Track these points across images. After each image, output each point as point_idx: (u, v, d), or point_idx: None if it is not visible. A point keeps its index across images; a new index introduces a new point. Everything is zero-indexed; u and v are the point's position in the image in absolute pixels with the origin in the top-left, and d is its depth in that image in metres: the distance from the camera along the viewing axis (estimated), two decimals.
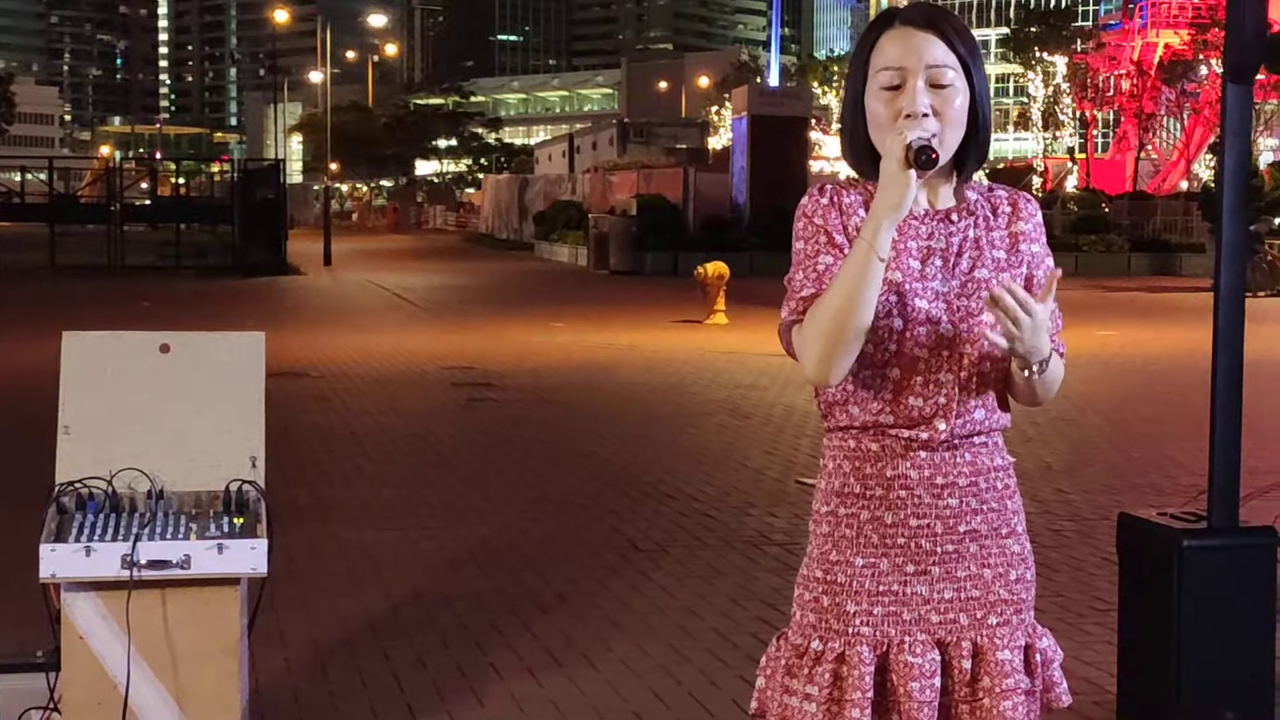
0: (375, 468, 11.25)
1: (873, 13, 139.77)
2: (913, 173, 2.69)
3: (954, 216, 2.89)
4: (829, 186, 2.93)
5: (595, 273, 41.07)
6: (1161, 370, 18.18)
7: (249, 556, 4.19)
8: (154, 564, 4.13)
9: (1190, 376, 16.18)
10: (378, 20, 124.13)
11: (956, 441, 2.87)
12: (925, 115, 2.79)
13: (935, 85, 2.81)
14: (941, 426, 2.84)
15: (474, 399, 15.04)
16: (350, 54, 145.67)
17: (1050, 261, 2.97)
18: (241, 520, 4.27)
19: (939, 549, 2.87)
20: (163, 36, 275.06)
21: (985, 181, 3.00)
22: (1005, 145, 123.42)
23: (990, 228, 2.91)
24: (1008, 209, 2.95)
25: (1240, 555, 5.08)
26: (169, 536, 4.18)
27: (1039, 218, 2.98)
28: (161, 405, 4.48)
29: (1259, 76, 5.54)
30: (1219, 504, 5.13)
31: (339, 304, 29.40)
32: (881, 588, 2.87)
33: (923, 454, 2.86)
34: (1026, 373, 2.81)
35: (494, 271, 41.92)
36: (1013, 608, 2.92)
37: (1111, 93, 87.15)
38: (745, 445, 12.20)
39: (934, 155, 2.72)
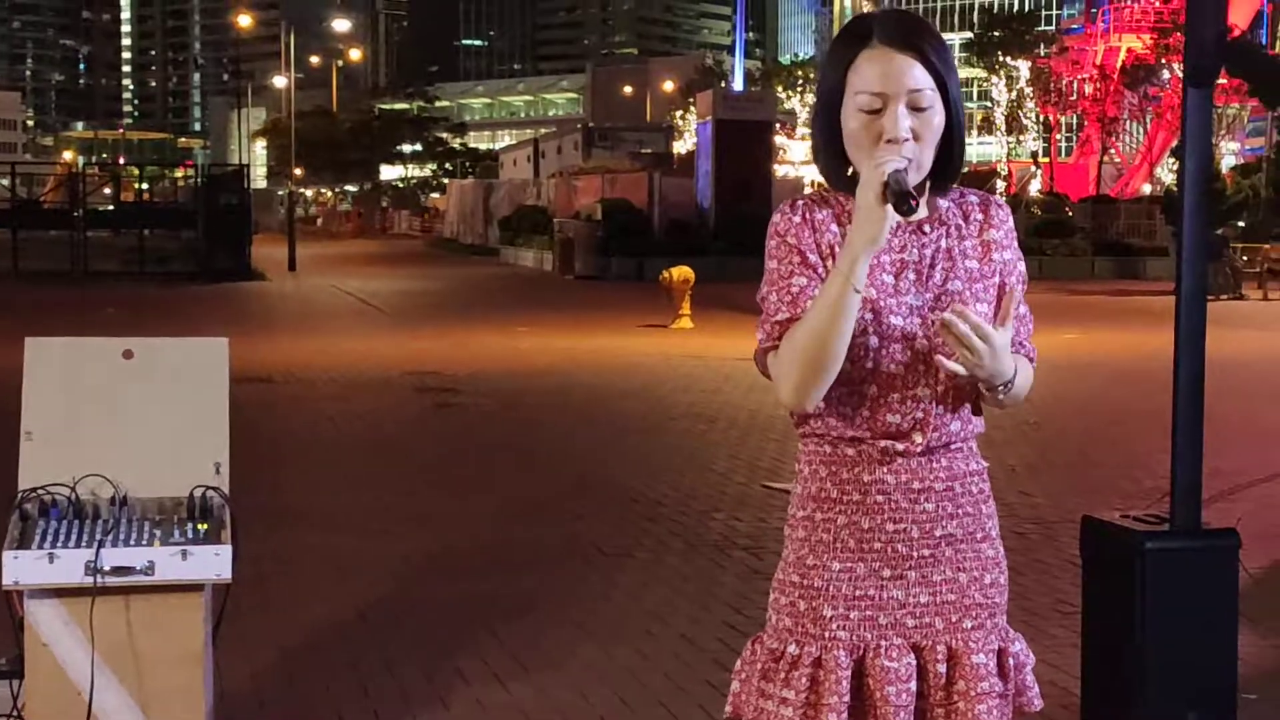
0: (340, 473, 11.23)
1: (836, 19, 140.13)
2: (889, 207, 2.68)
3: (926, 228, 2.89)
4: (800, 202, 2.92)
5: (560, 277, 41.04)
6: (1125, 373, 18.27)
7: (213, 563, 4.18)
8: (118, 570, 4.12)
9: (1153, 379, 16.24)
10: (342, 25, 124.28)
11: (933, 448, 2.88)
12: (906, 140, 2.78)
13: (915, 108, 2.80)
14: (918, 440, 2.86)
15: (439, 404, 15.02)
16: (314, 59, 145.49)
17: (1022, 267, 2.98)
18: (206, 526, 4.26)
19: (915, 553, 2.89)
20: (126, 41, 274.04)
21: (956, 186, 3.00)
22: (969, 149, 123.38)
23: (962, 236, 2.91)
24: (979, 216, 2.95)
25: (1203, 557, 5.11)
26: (133, 543, 4.16)
27: (1010, 223, 2.99)
28: (125, 411, 4.46)
29: (1219, 80, 5.58)
30: (1182, 506, 5.15)
31: (304, 309, 29.33)
32: (858, 592, 2.88)
33: (900, 460, 2.87)
34: (990, 393, 2.83)
35: (459, 276, 41.85)
36: (987, 611, 2.94)
37: (1074, 97, 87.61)
38: (711, 449, 12.21)
39: (914, 204, 2.70)
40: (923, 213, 2.89)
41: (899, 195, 2.67)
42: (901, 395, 2.84)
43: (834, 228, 2.87)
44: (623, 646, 6.65)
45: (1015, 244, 2.99)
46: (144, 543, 4.17)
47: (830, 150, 2.90)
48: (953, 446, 2.90)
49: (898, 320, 2.82)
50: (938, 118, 2.82)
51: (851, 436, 2.87)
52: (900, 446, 2.85)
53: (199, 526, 4.25)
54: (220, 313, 27.33)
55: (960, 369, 2.73)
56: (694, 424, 13.68)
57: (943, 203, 2.93)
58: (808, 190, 2.74)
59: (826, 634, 2.87)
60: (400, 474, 11.26)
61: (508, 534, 9.06)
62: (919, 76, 2.79)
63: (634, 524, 9.28)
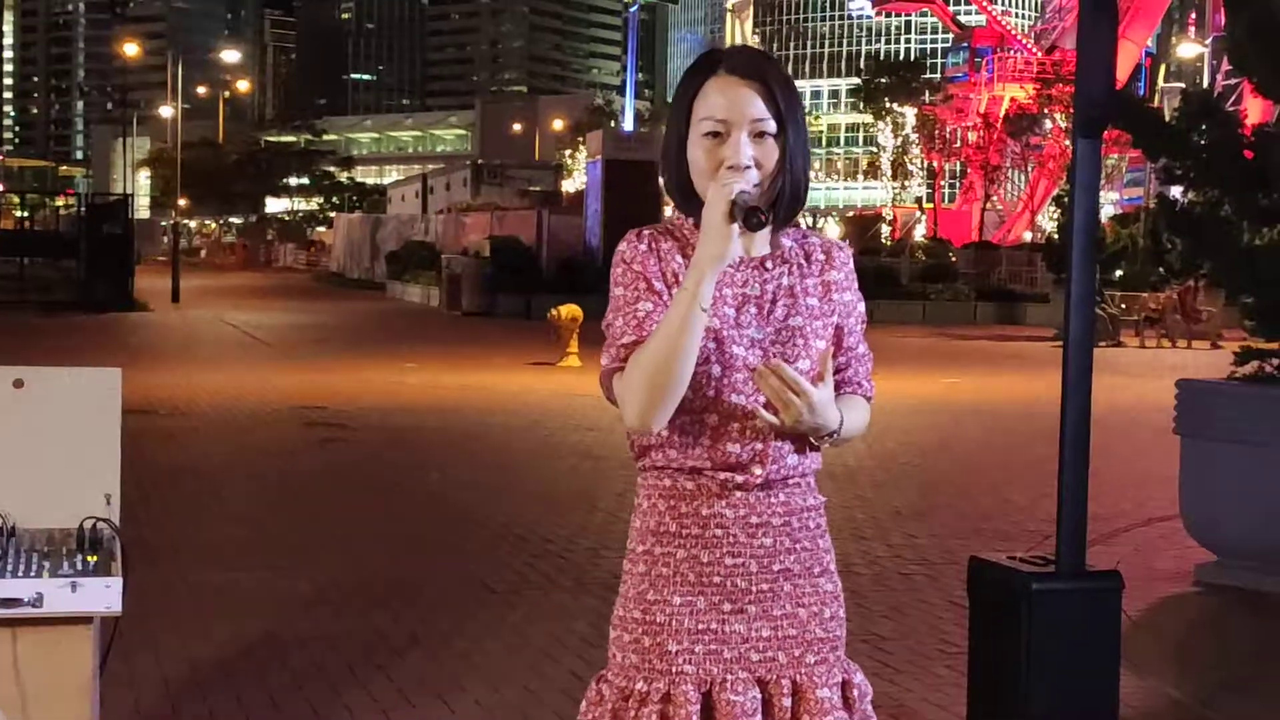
0: (226, 507, 11.12)
1: None
2: (735, 225, 2.73)
3: (769, 264, 2.94)
4: (646, 232, 2.97)
5: (448, 314, 40.93)
6: (1006, 417, 18.50)
7: (103, 595, 4.12)
8: (5, 602, 4.05)
9: (1033, 424, 16.50)
10: (230, 56, 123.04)
11: (771, 482, 2.92)
12: (748, 167, 2.83)
13: (757, 136, 2.86)
14: (758, 472, 2.89)
15: (326, 439, 14.92)
16: (201, 89, 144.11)
17: (862, 308, 3.05)
18: (95, 558, 4.21)
19: (754, 588, 2.92)
20: (7, 67, 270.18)
21: (802, 226, 3.06)
22: (855, 194, 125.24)
23: (804, 275, 2.97)
24: (821, 256, 3.00)
25: (1087, 598, 5.20)
26: (20, 574, 4.10)
27: (850, 266, 3.05)
28: (14, 441, 4.40)
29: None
30: (1067, 548, 5.24)
31: (188, 341, 29.02)
32: (701, 626, 2.90)
33: (738, 494, 2.90)
34: (816, 441, 2.91)
35: (345, 311, 41.62)
36: (829, 645, 2.97)
37: (958, 144, 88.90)
38: (599, 487, 12.22)
39: (764, 218, 2.76)
40: (765, 250, 2.95)
41: (747, 211, 2.72)
42: (742, 425, 2.87)
43: (679, 258, 2.91)
44: (511, 684, 6.64)
45: (855, 286, 3.05)
46: (32, 574, 4.11)
47: (681, 178, 2.95)
48: (790, 481, 2.94)
49: (739, 350, 2.86)
50: (779, 150, 2.88)
51: (691, 467, 2.90)
52: (740, 479, 2.89)
53: (89, 558, 4.20)
54: (102, 343, 26.98)
55: (773, 419, 2.81)
56: (581, 461, 13.69)
57: (786, 241, 2.99)
58: None
59: (673, 669, 2.89)
60: (286, 508, 11.17)
61: (395, 570, 9.01)
62: (762, 106, 2.86)
63: (522, 561, 9.27)
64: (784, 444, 2.90)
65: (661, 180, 3.03)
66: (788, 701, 2.91)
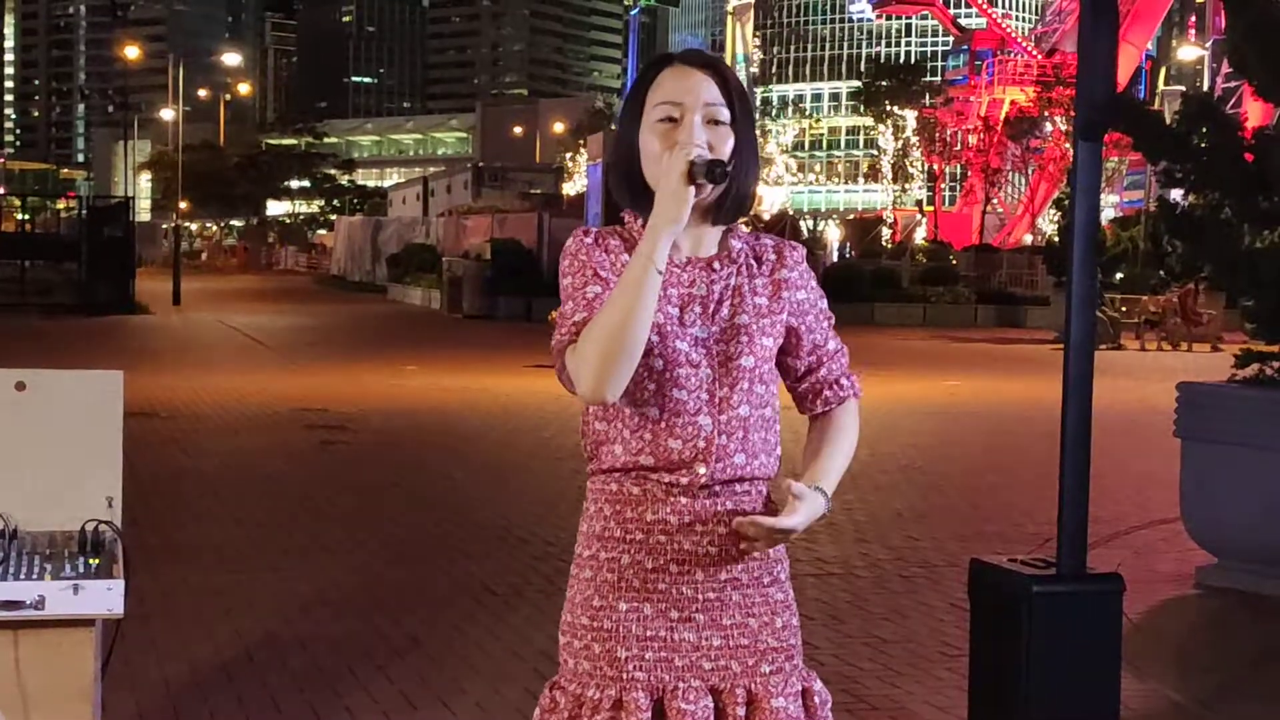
0: (227, 510, 11.12)
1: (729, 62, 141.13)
2: (691, 189, 2.74)
3: (716, 265, 2.94)
4: (594, 229, 2.98)
5: (448, 316, 40.93)
6: (1006, 420, 18.50)
7: (105, 597, 4.13)
8: (7, 605, 4.06)
9: (1033, 427, 16.50)
10: (231, 59, 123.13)
11: (717, 488, 2.89)
12: (700, 148, 2.83)
13: (711, 121, 2.88)
14: (701, 470, 2.87)
15: (327, 441, 14.92)
16: (202, 92, 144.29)
17: (823, 305, 3.05)
18: (97, 561, 4.21)
19: (701, 596, 2.90)
20: (8, 70, 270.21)
21: (752, 231, 3.07)
22: (856, 197, 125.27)
23: (753, 275, 2.96)
24: (772, 256, 3.01)
25: (1088, 601, 5.20)
26: (22, 577, 4.11)
27: (805, 265, 3.04)
28: (16, 444, 4.40)
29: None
30: (1068, 551, 5.25)
31: (189, 344, 29.01)
32: (649, 633, 2.88)
33: (683, 500, 2.88)
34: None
35: (346, 313, 41.61)
36: (784, 655, 2.95)
37: (959, 147, 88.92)
38: None
39: (727, 169, 2.79)
40: (713, 251, 2.95)
41: (709, 164, 2.75)
42: (684, 421, 2.86)
43: (625, 256, 2.91)
44: (512, 685, 6.64)
45: (813, 284, 3.04)
46: (34, 577, 4.11)
47: (633, 176, 2.95)
48: (739, 488, 2.91)
49: (683, 345, 2.86)
50: (732, 139, 2.90)
51: (637, 466, 2.89)
52: (684, 480, 2.87)
53: (90, 561, 4.20)
54: (103, 346, 26.99)
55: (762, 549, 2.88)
56: (582, 464, 13.56)
57: (735, 243, 2.98)
58: None
59: (624, 675, 2.87)
60: (287, 511, 11.16)
61: (396, 572, 9.02)
62: (716, 92, 2.89)
63: (523, 563, 9.27)
64: (728, 442, 2.88)
65: (610, 180, 3.02)
66: (742, 711, 2.88)
